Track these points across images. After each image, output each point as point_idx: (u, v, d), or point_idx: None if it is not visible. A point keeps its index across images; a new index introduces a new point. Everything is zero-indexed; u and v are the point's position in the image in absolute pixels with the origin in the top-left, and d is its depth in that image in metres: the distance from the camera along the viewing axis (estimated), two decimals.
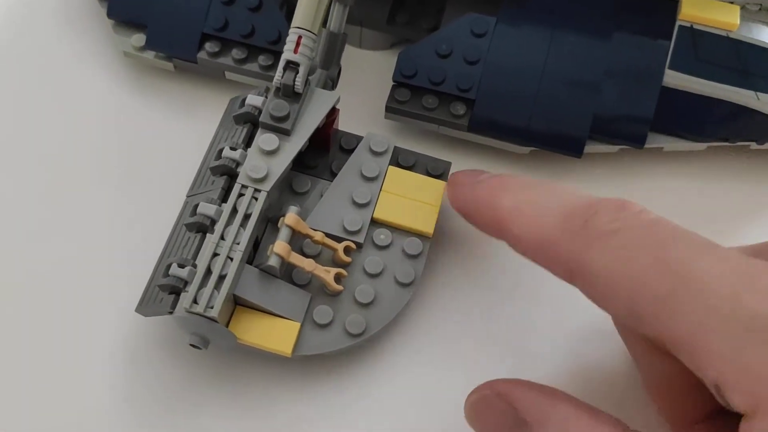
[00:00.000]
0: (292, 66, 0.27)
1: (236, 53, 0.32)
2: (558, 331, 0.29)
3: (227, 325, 0.26)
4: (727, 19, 0.30)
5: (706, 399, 0.23)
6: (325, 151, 0.30)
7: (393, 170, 0.29)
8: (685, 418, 0.25)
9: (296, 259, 0.26)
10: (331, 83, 0.30)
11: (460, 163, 0.31)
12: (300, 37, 0.27)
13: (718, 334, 0.20)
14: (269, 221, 0.28)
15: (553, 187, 0.25)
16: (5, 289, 0.29)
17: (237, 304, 0.26)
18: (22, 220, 0.31)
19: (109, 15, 0.33)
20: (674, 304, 0.20)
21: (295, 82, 0.27)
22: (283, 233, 0.26)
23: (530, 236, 0.24)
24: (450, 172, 0.30)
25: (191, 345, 0.26)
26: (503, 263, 0.30)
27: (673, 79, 0.30)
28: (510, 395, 0.23)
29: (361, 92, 0.33)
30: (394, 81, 0.32)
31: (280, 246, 0.26)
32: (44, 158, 0.32)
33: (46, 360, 0.28)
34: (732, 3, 0.31)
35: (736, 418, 0.20)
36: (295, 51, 0.27)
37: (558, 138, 0.31)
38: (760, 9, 0.31)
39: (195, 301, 0.25)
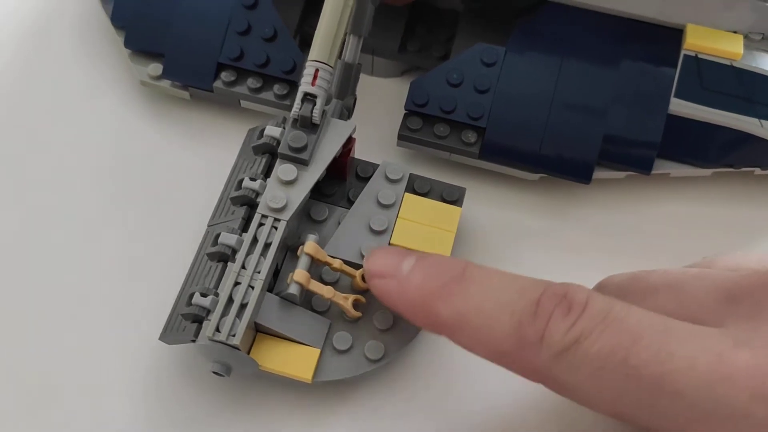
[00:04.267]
0: (309, 98, 0.28)
1: (251, 82, 0.33)
2: None
3: (248, 352, 0.26)
4: (731, 49, 0.31)
5: None
6: (342, 180, 0.30)
7: (409, 197, 0.30)
8: None
9: (316, 286, 0.27)
10: (347, 113, 0.30)
11: (472, 189, 0.32)
12: (317, 70, 0.28)
13: (706, 428, 0.20)
14: (288, 249, 0.28)
15: (489, 283, 0.24)
16: (27, 317, 0.30)
17: (258, 331, 0.27)
18: (41, 249, 0.31)
19: (126, 44, 0.34)
20: (657, 407, 0.21)
21: (313, 114, 0.28)
22: (303, 261, 0.27)
23: (483, 349, 0.24)
24: (464, 198, 0.30)
25: (214, 372, 0.26)
26: None
27: (679, 107, 0.31)
28: None
29: (373, 119, 0.34)
30: (406, 110, 0.32)
31: (300, 274, 0.27)
32: (62, 187, 0.32)
33: (69, 387, 0.28)
34: (735, 33, 0.32)
35: None
36: (313, 83, 0.28)
37: (567, 164, 0.31)
38: (762, 38, 0.32)
39: (217, 330, 0.25)
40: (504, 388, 0.28)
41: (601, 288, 0.26)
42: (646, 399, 0.21)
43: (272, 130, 0.29)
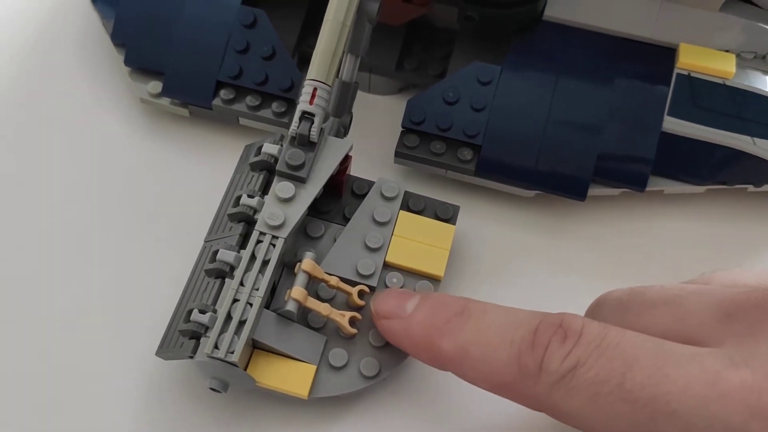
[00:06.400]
0: (307, 116, 0.28)
1: (250, 100, 0.33)
2: None
3: (245, 368, 0.27)
4: (724, 68, 0.31)
5: None
6: (338, 197, 0.31)
7: (404, 215, 0.30)
8: None
9: (313, 303, 0.27)
10: (343, 130, 0.31)
11: (467, 205, 0.32)
12: (315, 89, 0.28)
13: None
14: (285, 265, 0.29)
15: (488, 317, 0.25)
16: (24, 331, 0.30)
17: (254, 347, 0.27)
18: (37, 264, 0.31)
19: (126, 62, 0.34)
20: (654, 429, 0.21)
21: (311, 132, 0.28)
22: (300, 279, 0.27)
23: (484, 380, 0.25)
24: (458, 216, 0.31)
25: (211, 389, 0.26)
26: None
27: (672, 125, 0.31)
28: None
29: (370, 136, 0.34)
30: (403, 127, 0.33)
31: (297, 291, 0.27)
32: (60, 203, 0.33)
33: (65, 403, 0.28)
34: (728, 51, 0.32)
35: None
36: (311, 102, 0.28)
37: (562, 181, 0.32)
38: (754, 57, 0.33)
39: (216, 347, 0.26)
40: (499, 406, 0.28)
41: (600, 303, 0.27)
42: (644, 421, 0.21)
43: (270, 148, 0.29)
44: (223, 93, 0.33)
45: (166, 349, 0.27)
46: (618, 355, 0.22)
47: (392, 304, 0.26)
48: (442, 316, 0.25)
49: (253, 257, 0.27)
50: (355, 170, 0.31)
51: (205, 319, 0.26)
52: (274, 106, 0.33)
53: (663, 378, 0.21)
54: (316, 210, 0.30)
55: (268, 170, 0.29)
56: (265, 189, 0.29)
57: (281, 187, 0.28)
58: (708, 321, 0.23)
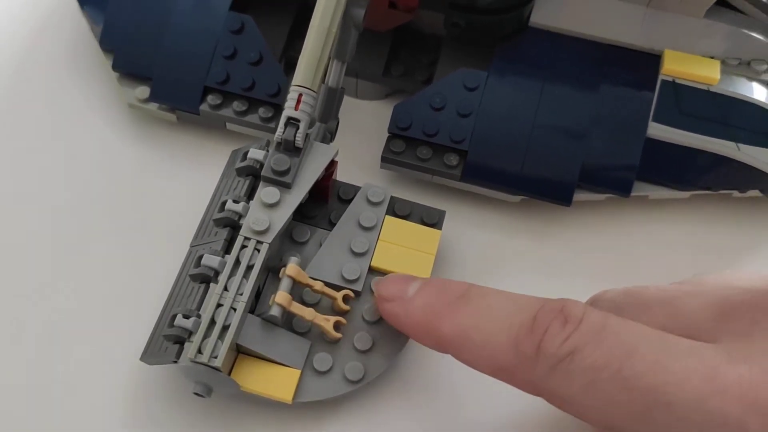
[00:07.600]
0: (292, 122, 0.28)
1: (237, 105, 0.33)
2: None
3: (230, 372, 0.27)
4: (708, 74, 0.32)
5: None
6: (324, 202, 0.31)
7: (389, 220, 0.30)
8: None
9: (297, 308, 0.27)
10: (329, 135, 0.31)
11: (453, 210, 0.32)
12: (301, 95, 0.28)
13: None
14: (270, 270, 0.29)
15: (489, 302, 0.25)
16: (11, 338, 0.30)
17: (239, 352, 0.27)
18: (25, 271, 0.31)
19: (114, 67, 0.34)
20: (649, 419, 0.21)
21: (296, 138, 0.28)
22: (285, 283, 0.27)
23: (483, 364, 0.24)
24: (444, 221, 0.31)
25: (195, 393, 0.26)
26: None
27: (657, 130, 0.32)
28: None
29: (357, 141, 0.34)
30: (389, 133, 0.33)
31: (281, 296, 0.27)
32: (47, 207, 0.33)
33: (48, 407, 0.28)
34: (712, 58, 0.32)
35: None
36: (296, 108, 0.28)
37: (548, 187, 0.32)
38: (739, 63, 0.33)
39: (199, 351, 0.26)
40: (492, 406, 0.28)
41: (594, 303, 0.27)
42: (639, 411, 0.21)
43: (256, 153, 0.29)
44: (211, 98, 0.33)
45: (150, 354, 0.27)
46: (618, 344, 0.22)
47: (394, 288, 0.27)
48: (443, 299, 0.25)
49: (237, 262, 0.27)
50: (341, 175, 0.31)
51: (189, 323, 0.26)
52: (261, 111, 0.33)
53: (662, 369, 0.21)
54: (301, 215, 0.30)
55: (253, 175, 0.30)
56: (250, 194, 0.29)
57: (266, 193, 0.28)
58: (705, 321, 0.23)
